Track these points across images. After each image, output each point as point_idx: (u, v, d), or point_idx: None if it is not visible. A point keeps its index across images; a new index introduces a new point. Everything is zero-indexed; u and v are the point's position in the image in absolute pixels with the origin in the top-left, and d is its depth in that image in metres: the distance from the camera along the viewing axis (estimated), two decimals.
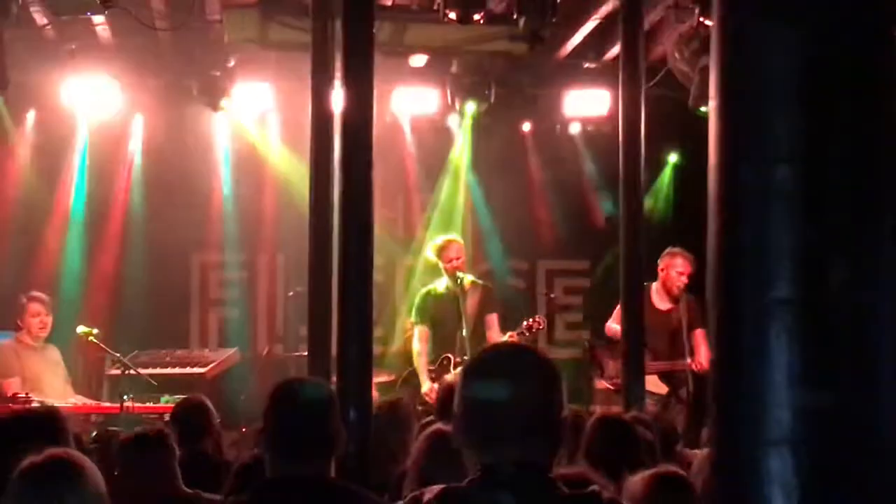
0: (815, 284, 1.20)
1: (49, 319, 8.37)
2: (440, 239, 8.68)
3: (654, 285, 8.38)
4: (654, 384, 7.97)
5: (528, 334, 8.34)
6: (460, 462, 3.66)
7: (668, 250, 8.44)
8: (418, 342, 8.56)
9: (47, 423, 3.63)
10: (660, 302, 8.38)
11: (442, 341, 8.49)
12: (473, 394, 2.20)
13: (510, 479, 2.13)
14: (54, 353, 8.48)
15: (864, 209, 1.20)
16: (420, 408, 8.15)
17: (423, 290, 8.71)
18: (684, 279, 8.27)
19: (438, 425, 4.13)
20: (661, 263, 8.41)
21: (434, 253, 8.58)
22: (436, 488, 2.19)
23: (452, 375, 8.23)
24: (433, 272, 8.84)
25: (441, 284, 8.55)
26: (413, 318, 8.70)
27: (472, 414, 2.19)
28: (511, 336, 8.24)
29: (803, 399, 1.18)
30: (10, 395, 7.83)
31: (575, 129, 10.69)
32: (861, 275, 1.20)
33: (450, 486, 2.20)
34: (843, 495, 1.18)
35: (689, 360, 8.10)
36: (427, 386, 8.36)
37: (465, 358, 8.15)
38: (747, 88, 1.25)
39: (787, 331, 1.20)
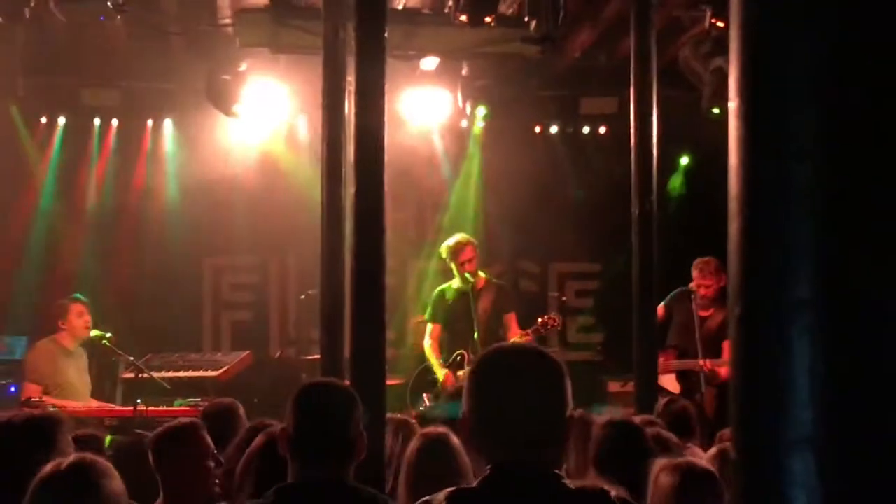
0: (837, 284, 1.19)
1: (90, 319, 8.46)
2: (452, 240, 8.71)
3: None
4: (670, 383, 8.00)
5: (542, 331, 8.40)
6: (452, 463, 3.68)
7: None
8: (428, 338, 8.77)
9: (43, 429, 3.62)
10: (699, 308, 8.40)
11: (454, 340, 8.62)
12: (481, 394, 2.22)
13: (520, 479, 2.14)
14: (84, 358, 8.56)
15: (888, 207, 1.20)
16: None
17: (438, 290, 8.83)
18: (701, 290, 8.32)
19: (429, 428, 4.13)
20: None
21: (446, 254, 8.64)
22: (444, 492, 2.19)
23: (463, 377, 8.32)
24: (447, 273, 8.88)
25: (455, 284, 8.62)
26: (426, 316, 8.80)
27: (480, 415, 2.20)
28: (526, 334, 8.29)
29: (826, 399, 1.18)
30: (24, 398, 7.88)
31: (586, 130, 10.69)
32: (884, 273, 1.19)
33: (459, 488, 2.20)
34: (866, 497, 1.17)
35: (700, 361, 8.13)
36: (442, 374, 8.53)
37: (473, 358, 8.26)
38: (767, 85, 1.25)
39: (809, 331, 1.19)
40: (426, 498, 2.21)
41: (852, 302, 1.19)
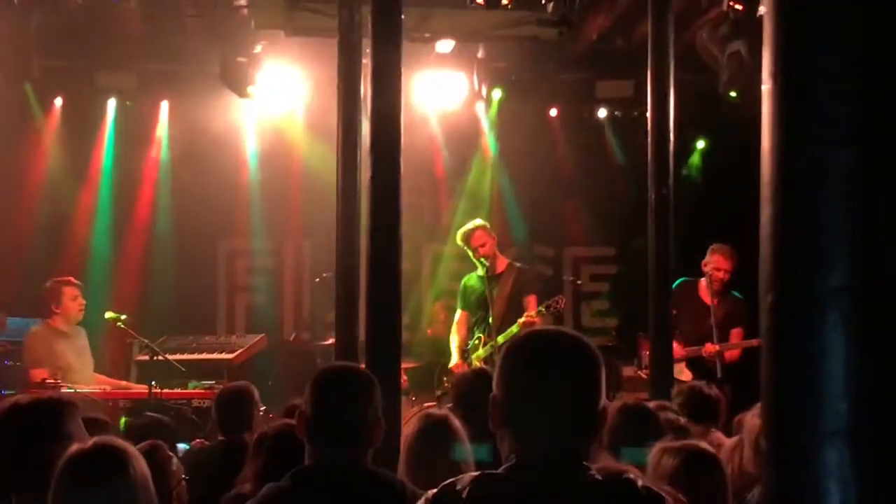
0: (873, 271, 1.16)
1: (84, 302, 8.45)
2: (466, 226, 8.71)
3: (704, 280, 8.40)
4: (680, 372, 7.96)
5: (545, 312, 8.39)
6: (452, 446, 3.67)
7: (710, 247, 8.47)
8: (454, 324, 8.81)
9: (50, 411, 3.59)
10: (706, 296, 8.38)
11: (476, 325, 8.66)
12: (513, 378, 2.17)
13: (548, 466, 2.10)
14: (83, 338, 8.55)
15: None
16: (446, 383, 8.40)
17: (465, 277, 8.80)
18: (719, 274, 8.29)
19: (428, 409, 4.12)
20: (705, 259, 8.44)
21: (461, 241, 8.65)
22: (469, 476, 2.16)
23: (475, 360, 8.34)
24: (466, 258, 8.89)
25: (478, 270, 8.64)
26: (457, 304, 8.90)
27: (510, 399, 2.15)
28: (530, 316, 8.27)
29: (861, 390, 1.15)
30: (38, 380, 7.88)
31: (602, 114, 10.64)
32: None
33: (485, 473, 2.16)
34: None
35: (709, 345, 8.11)
36: (455, 360, 8.62)
37: (489, 341, 8.30)
38: (802, 69, 1.22)
39: (843, 320, 1.16)
40: (449, 480, 2.18)
41: (889, 290, 1.16)
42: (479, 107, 10.52)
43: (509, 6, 7.92)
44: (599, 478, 2.13)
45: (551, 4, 7.93)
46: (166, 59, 9.80)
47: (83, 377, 8.30)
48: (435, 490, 2.18)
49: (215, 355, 8.70)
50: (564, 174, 10.61)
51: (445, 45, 9.65)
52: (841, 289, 1.17)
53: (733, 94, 8.69)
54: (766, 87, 1.26)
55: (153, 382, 7.84)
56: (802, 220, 1.21)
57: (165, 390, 7.93)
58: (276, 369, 9.18)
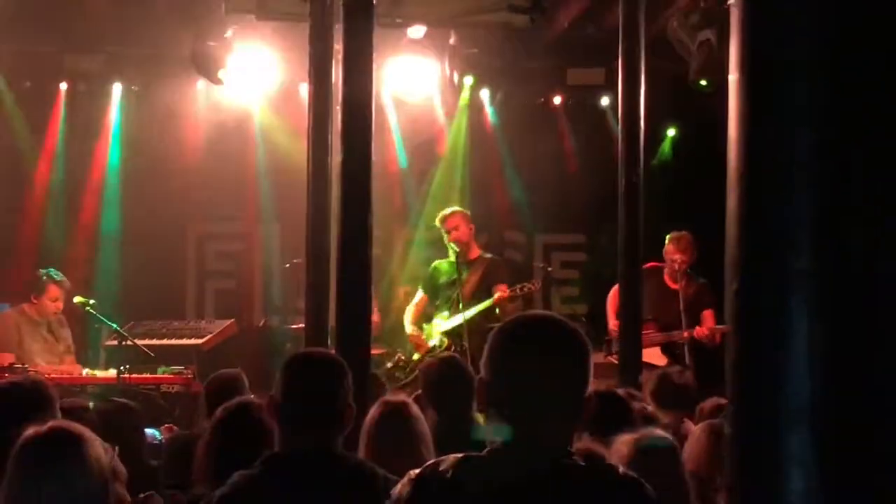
0: (837, 255, 1.18)
1: (62, 306, 8.40)
2: (447, 209, 8.74)
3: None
4: (654, 356, 8.02)
5: (519, 293, 8.43)
6: (411, 431, 3.70)
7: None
8: (411, 304, 8.86)
9: (32, 394, 3.58)
10: (670, 281, 8.46)
11: (439, 310, 8.64)
12: (502, 362, 2.17)
13: (533, 450, 2.11)
14: (64, 331, 8.48)
15: (888, 177, 1.19)
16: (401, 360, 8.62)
17: (435, 262, 8.86)
18: (674, 264, 8.36)
19: (386, 396, 4.14)
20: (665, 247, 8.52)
21: (438, 222, 8.69)
22: (452, 458, 2.17)
23: (434, 330, 8.40)
24: (435, 244, 8.90)
25: (450, 256, 8.65)
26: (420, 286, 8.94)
27: (501, 382, 2.15)
28: (503, 292, 8.31)
29: (824, 371, 1.17)
30: (6, 364, 7.82)
31: (574, 101, 10.66)
32: (884, 244, 1.18)
33: (468, 455, 2.16)
34: (863, 473, 1.16)
35: (685, 331, 8.15)
36: (410, 329, 8.71)
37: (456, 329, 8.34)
38: (768, 55, 1.23)
39: (807, 302, 1.18)
40: (433, 461, 2.19)
41: (852, 273, 1.18)
42: (451, 92, 10.51)
43: None
44: (582, 463, 2.15)
45: None
46: (136, 43, 9.71)
47: (50, 363, 8.25)
48: (418, 470, 2.19)
49: (184, 340, 8.68)
50: (536, 161, 10.62)
51: (417, 31, 9.63)
52: (805, 272, 1.19)
53: (703, 82, 8.72)
54: (734, 77, 1.28)
55: (122, 367, 7.81)
56: (767, 205, 1.23)
57: (134, 375, 7.90)
58: (246, 355, 9.15)
